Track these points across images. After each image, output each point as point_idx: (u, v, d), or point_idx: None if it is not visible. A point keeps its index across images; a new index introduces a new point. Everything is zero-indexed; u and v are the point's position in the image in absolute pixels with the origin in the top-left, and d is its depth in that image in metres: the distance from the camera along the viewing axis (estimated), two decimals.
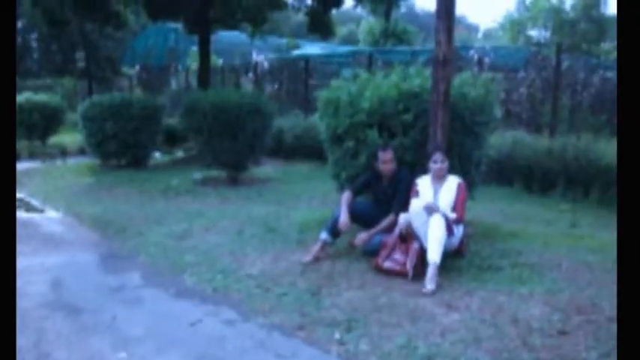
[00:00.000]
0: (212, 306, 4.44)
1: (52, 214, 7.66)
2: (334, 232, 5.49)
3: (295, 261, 5.41)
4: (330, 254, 5.53)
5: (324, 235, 5.49)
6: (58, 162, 13.02)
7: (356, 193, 5.68)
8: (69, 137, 15.95)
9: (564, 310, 4.26)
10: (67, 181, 10.17)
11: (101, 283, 5.02)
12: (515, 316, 4.17)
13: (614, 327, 3.97)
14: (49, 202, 8.25)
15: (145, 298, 4.67)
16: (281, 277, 5.00)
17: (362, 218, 5.66)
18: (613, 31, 30.59)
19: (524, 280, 4.88)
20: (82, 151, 14.03)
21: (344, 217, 5.41)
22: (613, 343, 3.73)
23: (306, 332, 3.95)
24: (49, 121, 15.45)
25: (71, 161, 13.13)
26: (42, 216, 7.50)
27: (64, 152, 14.57)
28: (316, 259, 5.37)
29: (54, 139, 15.86)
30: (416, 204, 5.05)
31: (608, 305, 4.35)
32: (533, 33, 36.28)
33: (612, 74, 12.34)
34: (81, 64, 22.82)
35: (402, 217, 5.13)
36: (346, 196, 5.58)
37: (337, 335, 3.87)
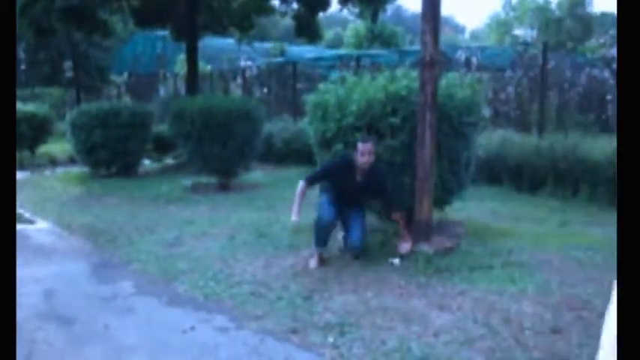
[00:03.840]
0: (205, 313, 4.44)
1: (42, 224, 7.61)
2: (323, 240, 5.46)
3: (287, 266, 5.41)
4: (323, 258, 5.54)
5: (317, 249, 5.47)
6: (48, 172, 12.95)
7: (312, 182, 5.53)
8: (58, 147, 15.88)
9: (556, 308, 4.29)
10: (56, 191, 10.12)
11: (93, 292, 5.00)
12: (507, 315, 4.19)
13: None
14: (38, 213, 8.20)
15: (137, 306, 4.65)
16: (273, 282, 5.01)
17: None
18: (598, 29, 30.84)
19: (516, 279, 4.91)
20: (71, 161, 13.96)
21: (295, 216, 5.36)
22: None
23: (299, 337, 3.95)
24: (37, 130, 15.34)
25: (60, 171, 13.06)
26: (32, 227, 7.46)
27: (53, 162, 14.50)
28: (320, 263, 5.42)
29: (43, 149, 15.76)
30: None
31: (600, 302, 4.38)
32: (520, 32, 36.53)
33: (598, 72, 12.43)
34: (69, 73, 22.75)
35: None
36: (301, 188, 5.44)
37: (331, 339, 3.88)
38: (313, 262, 5.39)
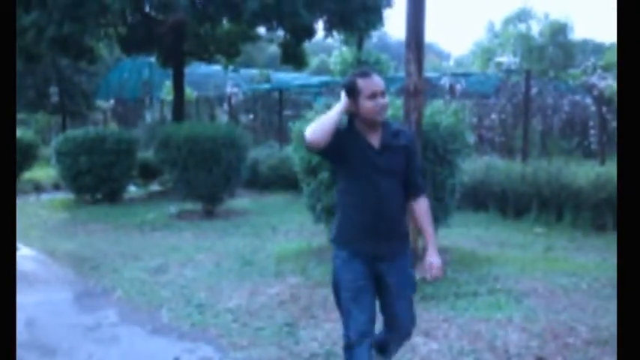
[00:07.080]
0: (189, 342, 4.40)
1: (26, 251, 7.54)
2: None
3: (273, 294, 5.38)
4: (309, 285, 5.52)
5: None
6: (32, 198, 12.85)
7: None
8: (43, 172, 15.78)
9: (541, 336, 4.30)
10: (41, 217, 10.04)
11: (76, 321, 4.94)
12: (493, 343, 4.19)
13: (591, 350, 4.02)
14: (23, 239, 8.11)
15: (121, 335, 4.61)
16: (259, 310, 4.98)
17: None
18: (580, 56, 31.37)
19: (502, 306, 4.92)
20: (56, 187, 13.88)
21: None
22: None
23: None
24: (22, 156, 15.24)
25: (45, 197, 12.97)
26: (16, 253, 7.38)
27: (38, 188, 14.38)
28: None
29: (27, 175, 15.65)
30: None
31: (585, 328, 4.40)
32: (503, 59, 37.04)
33: (581, 98, 12.63)
34: (54, 99, 22.68)
35: None
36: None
37: None
38: None
